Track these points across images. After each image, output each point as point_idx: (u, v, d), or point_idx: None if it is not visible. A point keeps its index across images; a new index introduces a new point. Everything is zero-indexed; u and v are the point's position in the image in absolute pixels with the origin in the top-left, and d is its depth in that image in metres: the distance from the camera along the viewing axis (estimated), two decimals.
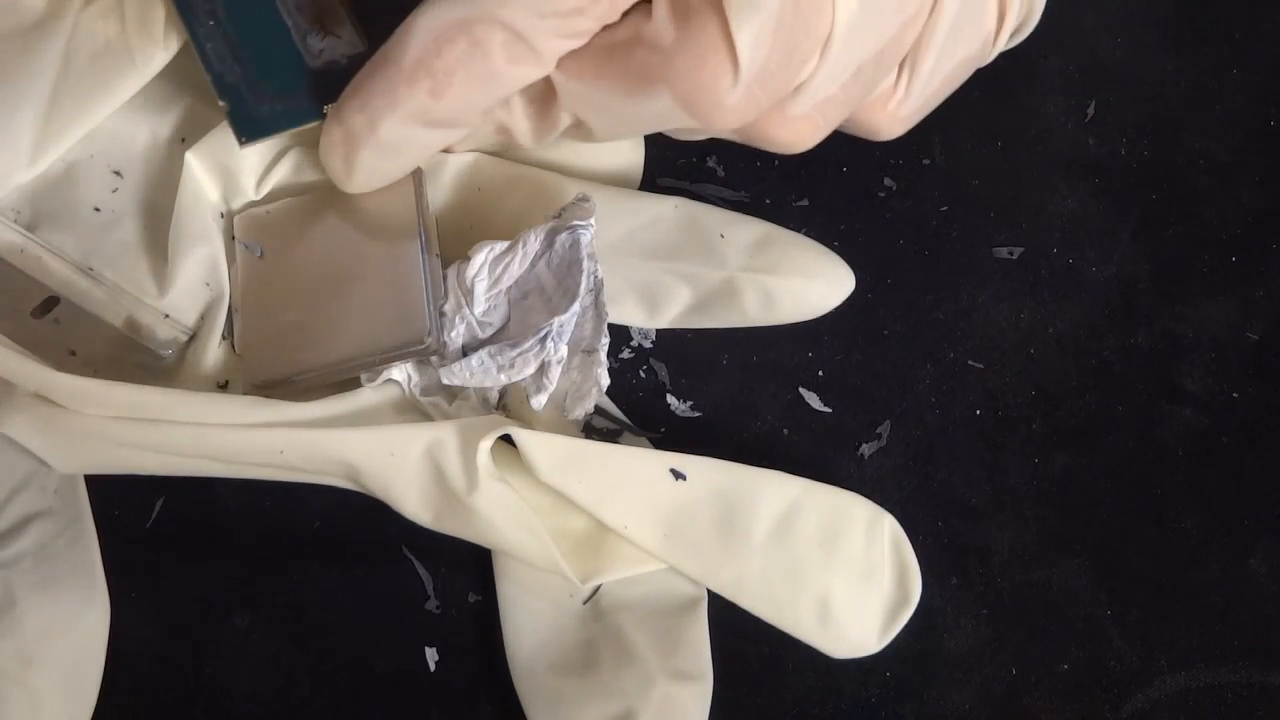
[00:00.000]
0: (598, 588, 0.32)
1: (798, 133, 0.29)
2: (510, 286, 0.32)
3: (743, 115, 0.28)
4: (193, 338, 0.33)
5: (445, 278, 0.32)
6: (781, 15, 0.26)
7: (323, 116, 0.32)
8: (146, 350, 0.32)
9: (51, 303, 0.32)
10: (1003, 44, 0.31)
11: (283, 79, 0.32)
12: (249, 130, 0.32)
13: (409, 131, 0.30)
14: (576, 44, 0.28)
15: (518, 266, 0.32)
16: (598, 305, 0.32)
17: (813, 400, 0.34)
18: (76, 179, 0.34)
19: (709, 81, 0.27)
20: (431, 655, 0.32)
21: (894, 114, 0.31)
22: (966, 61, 0.30)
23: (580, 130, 0.30)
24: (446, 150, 0.34)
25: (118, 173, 0.34)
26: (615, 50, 0.28)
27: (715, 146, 0.36)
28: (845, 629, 0.31)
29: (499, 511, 0.30)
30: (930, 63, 0.29)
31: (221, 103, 0.32)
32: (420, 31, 0.28)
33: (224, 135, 0.33)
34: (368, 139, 0.30)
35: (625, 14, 0.28)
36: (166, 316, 0.33)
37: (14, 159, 0.32)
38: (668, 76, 0.27)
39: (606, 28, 0.28)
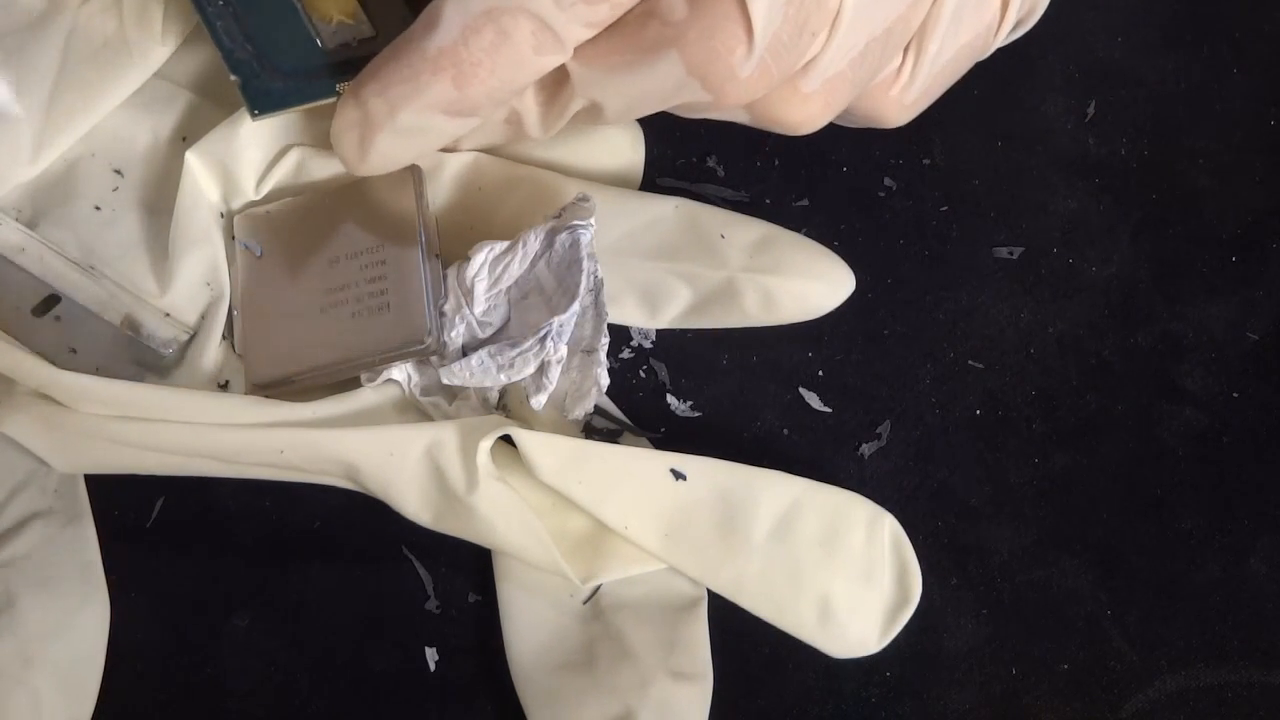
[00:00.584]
0: (598, 588, 0.32)
1: (806, 112, 0.29)
2: (510, 286, 0.32)
3: (755, 88, 0.28)
4: (193, 337, 0.33)
5: (445, 278, 0.32)
6: None
7: (337, 95, 0.31)
8: (147, 349, 0.32)
9: (52, 301, 0.32)
10: (1004, 35, 0.31)
11: (294, 59, 0.31)
12: (262, 104, 0.31)
13: (428, 119, 0.30)
14: (596, 32, 0.28)
15: (518, 266, 0.32)
16: (598, 305, 0.32)
17: (813, 400, 0.34)
18: (77, 177, 0.33)
19: (723, 51, 0.27)
20: (431, 655, 0.32)
21: (899, 100, 0.31)
22: (969, 49, 0.30)
23: (592, 113, 0.30)
24: (449, 149, 0.33)
25: (118, 171, 0.34)
26: (627, 26, 0.28)
27: (715, 146, 0.36)
28: (845, 629, 0.31)
29: (499, 512, 0.30)
30: (935, 46, 0.29)
31: (234, 77, 0.31)
32: (447, 20, 0.28)
33: (224, 134, 0.33)
34: (386, 124, 0.30)
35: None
36: (167, 315, 0.33)
37: (15, 157, 0.32)
38: (681, 46, 0.27)
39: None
